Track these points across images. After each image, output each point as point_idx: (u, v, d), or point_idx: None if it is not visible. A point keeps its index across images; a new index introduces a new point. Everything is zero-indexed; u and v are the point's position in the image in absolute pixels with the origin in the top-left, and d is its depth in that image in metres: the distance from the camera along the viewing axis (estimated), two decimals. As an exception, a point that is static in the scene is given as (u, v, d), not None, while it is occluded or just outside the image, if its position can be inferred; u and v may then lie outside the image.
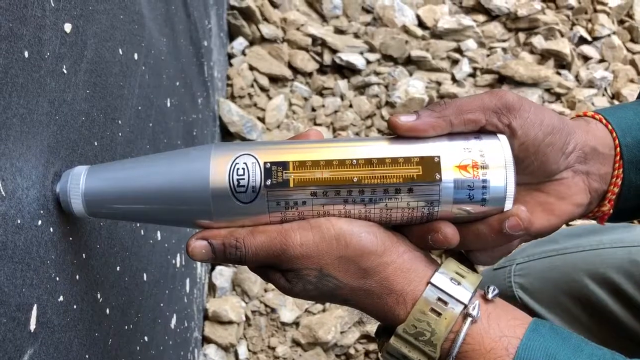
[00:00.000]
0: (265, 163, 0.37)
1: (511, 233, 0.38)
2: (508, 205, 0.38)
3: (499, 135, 0.39)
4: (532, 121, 0.40)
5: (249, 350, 0.98)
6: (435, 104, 0.39)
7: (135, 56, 0.55)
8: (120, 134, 0.50)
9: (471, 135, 0.39)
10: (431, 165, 0.37)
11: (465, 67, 1.37)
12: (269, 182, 0.37)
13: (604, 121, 0.45)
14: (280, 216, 0.38)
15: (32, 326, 0.33)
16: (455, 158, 0.38)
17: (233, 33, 1.35)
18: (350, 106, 1.30)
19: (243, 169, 0.37)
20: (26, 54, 0.33)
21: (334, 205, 0.38)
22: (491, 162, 0.38)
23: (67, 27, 0.38)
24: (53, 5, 0.36)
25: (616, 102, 1.34)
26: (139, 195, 0.38)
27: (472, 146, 0.38)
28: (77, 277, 0.40)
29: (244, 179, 0.37)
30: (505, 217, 0.38)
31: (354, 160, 0.37)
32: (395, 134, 0.39)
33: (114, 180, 0.38)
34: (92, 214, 0.38)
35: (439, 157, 0.38)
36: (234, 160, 0.37)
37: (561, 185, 0.43)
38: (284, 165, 0.37)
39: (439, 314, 0.37)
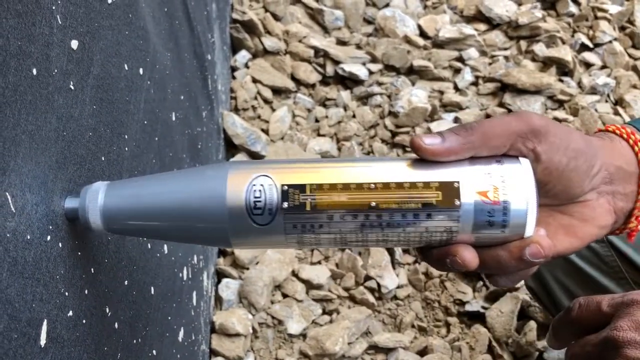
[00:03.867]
0: (282, 185, 0.37)
1: (532, 260, 0.37)
2: (529, 232, 0.37)
3: (521, 160, 0.38)
4: (557, 146, 0.39)
5: (257, 362, 0.98)
6: (461, 128, 0.38)
7: (141, 71, 0.56)
8: (126, 149, 0.51)
9: (492, 159, 0.38)
10: (451, 191, 0.37)
11: (467, 76, 1.37)
12: (285, 204, 0.37)
13: (633, 136, 0.44)
14: (296, 239, 0.38)
15: (43, 341, 0.34)
16: (476, 183, 0.37)
17: (236, 46, 1.35)
18: (354, 116, 1.31)
19: (260, 190, 0.37)
20: (34, 71, 0.33)
21: (352, 229, 0.37)
22: (512, 188, 0.37)
23: (74, 44, 0.39)
24: (60, 22, 0.36)
25: (619, 108, 1.34)
26: (156, 213, 0.38)
27: (493, 171, 0.38)
28: (86, 291, 0.41)
29: (260, 201, 0.37)
30: (526, 244, 0.37)
31: (372, 185, 0.37)
32: (416, 154, 0.39)
33: (132, 197, 0.38)
34: (110, 230, 0.38)
35: (458, 182, 0.37)
36: (251, 182, 0.37)
37: (585, 208, 0.42)
38: (301, 188, 0.37)
39: None
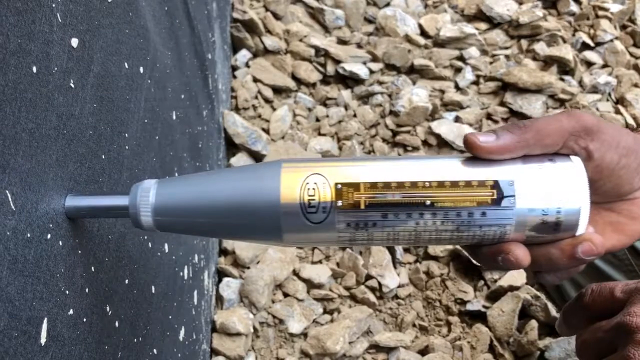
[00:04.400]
0: (336, 184, 0.37)
1: (584, 258, 0.38)
2: (581, 229, 0.38)
3: (573, 158, 0.39)
4: (609, 144, 0.40)
5: (258, 362, 0.98)
6: (514, 126, 0.39)
7: (141, 70, 0.56)
8: (127, 147, 0.51)
9: (545, 157, 0.39)
10: (506, 189, 0.37)
11: (468, 75, 1.37)
12: (340, 203, 0.37)
13: None
14: (349, 237, 0.38)
15: (43, 340, 0.33)
16: (530, 181, 0.37)
17: (236, 45, 1.35)
18: (354, 116, 1.31)
19: (313, 188, 0.37)
20: (34, 69, 0.33)
21: (405, 227, 0.37)
22: (565, 186, 0.37)
23: (74, 42, 0.39)
24: (60, 20, 0.36)
25: (620, 107, 1.34)
26: (208, 210, 0.38)
27: (546, 169, 0.38)
28: (87, 290, 0.41)
29: (314, 199, 0.37)
30: (578, 242, 0.38)
31: (427, 183, 0.37)
32: (470, 152, 0.39)
33: (183, 194, 0.38)
34: (160, 227, 0.39)
35: (512, 181, 0.37)
36: (305, 180, 0.37)
37: (633, 205, 0.43)
38: (355, 186, 0.37)
39: None
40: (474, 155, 0.38)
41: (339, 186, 0.37)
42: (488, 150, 0.38)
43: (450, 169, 0.38)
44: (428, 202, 0.37)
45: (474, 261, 0.41)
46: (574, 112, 0.40)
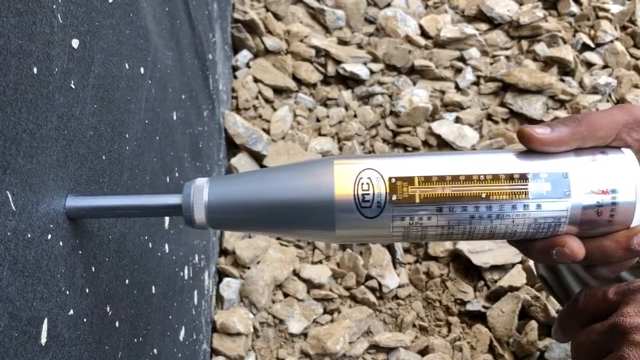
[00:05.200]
0: (390, 178, 0.37)
1: (639, 250, 0.38)
2: (636, 221, 0.38)
3: (624, 150, 0.39)
4: None
5: (258, 362, 0.98)
6: (568, 119, 0.39)
7: (142, 70, 0.56)
8: (127, 148, 0.51)
9: (597, 150, 0.39)
10: (560, 182, 0.37)
11: (468, 76, 1.37)
12: (394, 197, 0.37)
13: None
14: (402, 231, 0.38)
15: (43, 340, 0.34)
16: (583, 173, 0.37)
17: (237, 46, 1.36)
18: (355, 116, 1.31)
19: (367, 183, 0.37)
20: (35, 70, 0.33)
21: (460, 221, 0.37)
22: (620, 178, 0.37)
23: (75, 43, 0.39)
24: (61, 21, 0.36)
25: (621, 108, 1.34)
26: (262, 206, 0.38)
27: (599, 161, 0.38)
28: (87, 290, 0.41)
29: (368, 193, 0.37)
30: (634, 233, 0.38)
31: (482, 176, 0.37)
32: (525, 145, 0.39)
33: (237, 192, 0.39)
34: (213, 225, 0.39)
35: (567, 173, 0.37)
36: (358, 175, 0.37)
37: None
38: (409, 180, 0.37)
39: None
40: (529, 148, 0.39)
41: (393, 180, 0.37)
42: (544, 142, 0.38)
43: (504, 162, 0.38)
44: (483, 195, 0.37)
45: (525, 257, 0.41)
46: (626, 106, 0.40)
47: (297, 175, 0.39)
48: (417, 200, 0.37)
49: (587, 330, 0.42)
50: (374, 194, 0.37)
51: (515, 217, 0.37)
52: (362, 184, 0.37)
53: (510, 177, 0.37)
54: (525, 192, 0.37)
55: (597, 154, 0.39)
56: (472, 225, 0.38)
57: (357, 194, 0.37)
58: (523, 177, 0.37)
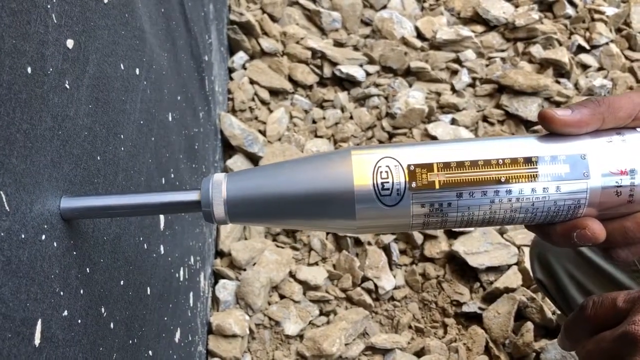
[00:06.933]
0: (409, 165, 0.37)
1: None
2: None
3: (639, 129, 0.39)
4: None
5: (254, 364, 0.98)
6: (587, 101, 0.39)
7: (137, 71, 0.56)
8: (122, 148, 0.51)
9: (612, 131, 0.39)
10: (579, 163, 0.37)
11: (464, 78, 1.38)
12: (414, 184, 0.37)
13: None
14: (423, 219, 0.38)
15: (37, 341, 0.33)
16: (602, 154, 0.38)
17: (233, 47, 1.35)
18: (351, 118, 1.31)
19: (386, 172, 0.37)
20: (29, 69, 0.33)
21: (480, 206, 0.37)
22: (637, 158, 0.37)
23: (70, 43, 0.39)
24: (55, 21, 0.36)
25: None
26: (281, 199, 0.38)
27: (616, 141, 0.38)
28: (82, 291, 0.41)
29: (388, 182, 0.37)
30: None
31: (500, 160, 0.37)
32: (546, 127, 0.39)
33: (256, 186, 0.38)
34: (233, 219, 0.39)
35: (585, 154, 0.38)
36: (377, 163, 0.37)
37: None
38: (428, 167, 0.37)
39: None
40: (550, 130, 0.39)
41: (412, 167, 0.37)
42: (565, 123, 0.38)
43: (522, 146, 0.38)
44: (503, 179, 0.37)
45: (545, 242, 0.41)
46: None
47: (316, 167, 0.39)
48: (437, 187, 0.37)
49: (596, 338, 0.42)
50: (393, 182, 0.37)
51: (535, 200, 0.37)
52: (381, 172, 0.37)
53: (528, 160, 0.37)
54: (544, 174, 0.37)
55: (613, 135, 0.39)
56: (492, 210, 0.38)
57: (376, 183, 0.37)
58: (542, 160, 0.37)
